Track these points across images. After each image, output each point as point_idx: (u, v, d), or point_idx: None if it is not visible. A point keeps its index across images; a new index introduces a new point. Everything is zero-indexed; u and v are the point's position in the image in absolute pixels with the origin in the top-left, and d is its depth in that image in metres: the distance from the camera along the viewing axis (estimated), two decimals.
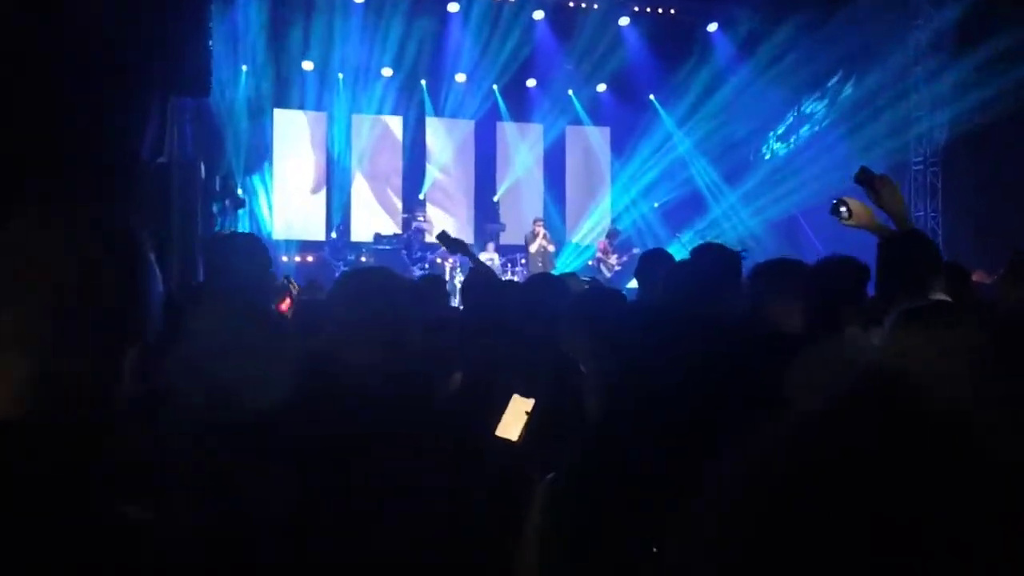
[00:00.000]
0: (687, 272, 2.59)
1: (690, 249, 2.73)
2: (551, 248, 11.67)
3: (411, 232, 11.59)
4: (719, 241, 4.38)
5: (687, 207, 13.06)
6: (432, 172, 13.40)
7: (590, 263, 12.38)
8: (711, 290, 2.39)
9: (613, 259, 11.70)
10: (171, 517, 0.89)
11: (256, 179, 12.34)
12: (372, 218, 12.75)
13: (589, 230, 13.72)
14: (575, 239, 13.75)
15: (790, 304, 2.46)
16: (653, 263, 3.19)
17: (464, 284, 3.48)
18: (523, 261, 11.40)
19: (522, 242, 11.90)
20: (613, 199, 14.15)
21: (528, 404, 1.95)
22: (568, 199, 14.08)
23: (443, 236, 3.96)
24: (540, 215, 12.39)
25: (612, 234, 12.14)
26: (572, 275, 4.73)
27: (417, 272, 10.32)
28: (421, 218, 12.16)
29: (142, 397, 1.11)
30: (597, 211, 13.94)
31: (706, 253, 2.62)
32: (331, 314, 1.85)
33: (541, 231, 11.52)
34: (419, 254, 11.15)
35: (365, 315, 1.76)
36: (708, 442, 1.12)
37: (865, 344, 2.27)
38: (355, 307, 1.79)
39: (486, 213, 13.47)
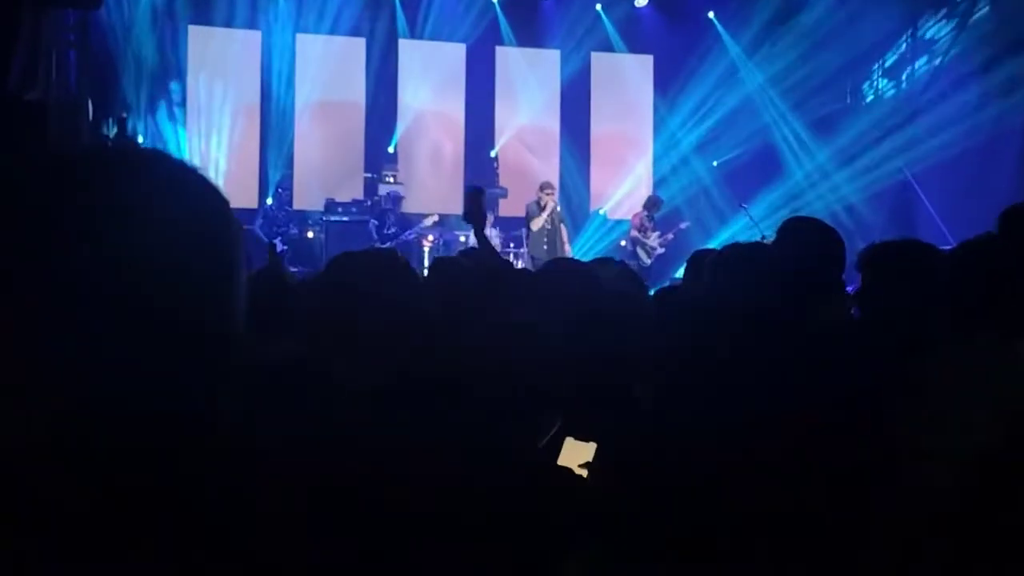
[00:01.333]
0: (768, 260, 2.54)
1: (778, 227, 2.67)
2: (561, 226, 11.19)
3: (382, 198, 11.50)
4: (803, 214, 4.34)
5: (757, 167, 13.01)
6: (406, 115, 13.34)
7: (622, 243, 12.32)
8: (807, 285, 2.34)
9: (653, 238, 11.61)
10: None
11: (164, 123, 12.29)
12: (323, 178, 12.70)
13: (621, 197, 13.68)
14: (603, 209, 13.70)
15: (916, 304, 2.45)
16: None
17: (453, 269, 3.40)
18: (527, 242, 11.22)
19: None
20: (655, 155, 14.10)
21: (587, 451, 1.93)
22: (593, 154, 14.02)
23: (474, 195, 3.75)
24: (553, 179, 12.22)
25: (652, 204, 12.01)
26: (606, 261, 4.64)
27: None
28: (391, 178, 12.07)
29: None
30: (633, 171, 13.89)
31: (800, 232, 2.56)
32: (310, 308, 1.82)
33: (551, 203, 11.02)
34: (392, 229, 11.05)
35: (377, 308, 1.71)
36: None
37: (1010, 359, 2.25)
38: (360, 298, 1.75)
39: (480, 172, 13.38)
